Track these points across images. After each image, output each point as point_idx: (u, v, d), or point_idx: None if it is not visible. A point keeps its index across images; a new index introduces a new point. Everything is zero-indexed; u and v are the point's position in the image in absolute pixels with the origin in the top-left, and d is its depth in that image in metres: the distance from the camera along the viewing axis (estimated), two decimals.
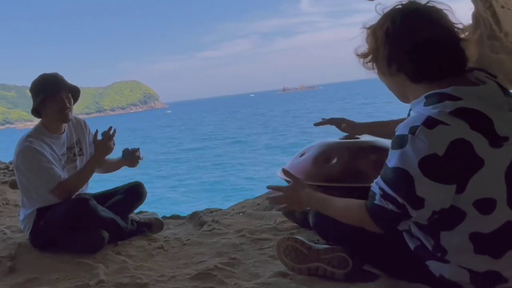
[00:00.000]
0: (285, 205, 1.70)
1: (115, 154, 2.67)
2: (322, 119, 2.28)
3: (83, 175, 2.52)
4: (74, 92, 2.56)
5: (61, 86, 2.46)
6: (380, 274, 1.62)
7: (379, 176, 1.31)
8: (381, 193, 1.28)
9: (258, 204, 3.12)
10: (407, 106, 1.40)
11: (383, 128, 2.01)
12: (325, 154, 2.04)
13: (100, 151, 2.51)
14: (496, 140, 1.18)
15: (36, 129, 2.51)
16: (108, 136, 2.50)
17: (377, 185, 1.31)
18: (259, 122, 43.76)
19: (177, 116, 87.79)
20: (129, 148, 2.74)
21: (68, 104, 2.48)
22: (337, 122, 2.19)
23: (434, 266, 1.38)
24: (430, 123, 1.18)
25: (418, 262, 1.41)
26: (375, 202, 1.31)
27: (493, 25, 1.70)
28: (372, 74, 1.42)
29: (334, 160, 1.99)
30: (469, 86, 1.23)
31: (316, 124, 2.28)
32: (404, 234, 1.44)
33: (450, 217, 1.26)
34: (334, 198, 1.52)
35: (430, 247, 1.36)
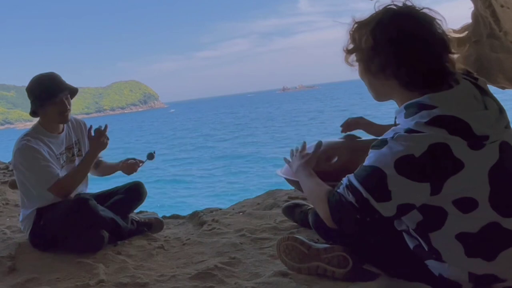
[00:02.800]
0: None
1: (114, 153, 2.66)
2: (341, 126, 2.32)
3: (80, 172, 2.53)
4: (72, 92, 2.55)
5: (60, 88, 2.45)
6: (380, 273, 1.63)
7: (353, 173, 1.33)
8: (347, 183, 1.31)
9: (258, 204, 3.12)
10: None
11: None
12: (326, 153, 2.04)
13: (94, 147, 2.52)
14: (475, 141, 1.19)
15: (34, 128, 2.51)
16: (100, 132, 2.50)
17: (347, 178, 1.34)
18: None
19: (180, 116, 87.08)
20: (146, 158, 2.81)
21: (68, 106, 2.48)
22: (360, 125, 2.24)
23: (433, 266, 1.38)
24: (410, 131, 1.20)
25: (418, 261, 1.41)
26: (338, 190, 1.34)
27: (492, 24, 1.71)
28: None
29: (335, 159, 2.00)
30: (444, 91, 1.24)
31: (343, 131, 2.32)
32: (404, 234, 1.45)
33: (433, 217, 1.27)
34: (316, 177, 1.57)
35: (426, 249, 1.36)
